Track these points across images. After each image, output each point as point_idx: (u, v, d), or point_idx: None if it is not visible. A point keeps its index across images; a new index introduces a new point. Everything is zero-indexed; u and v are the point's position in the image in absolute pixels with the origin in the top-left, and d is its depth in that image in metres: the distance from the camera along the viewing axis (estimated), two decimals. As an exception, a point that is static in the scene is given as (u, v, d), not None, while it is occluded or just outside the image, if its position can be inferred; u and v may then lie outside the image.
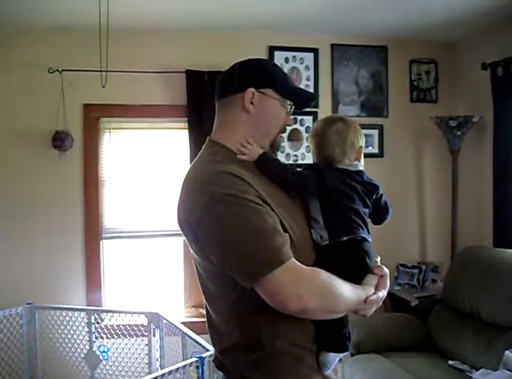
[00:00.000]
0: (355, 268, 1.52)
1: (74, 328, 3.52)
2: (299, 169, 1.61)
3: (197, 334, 2.89)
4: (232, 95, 1.56)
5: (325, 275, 1.40)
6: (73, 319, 3.52)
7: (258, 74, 1.57)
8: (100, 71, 3.00)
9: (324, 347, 1.52)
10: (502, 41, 3.82)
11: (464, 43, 4.32)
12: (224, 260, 1.39)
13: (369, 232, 1.59)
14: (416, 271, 4.20)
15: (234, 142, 1.55)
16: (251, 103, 1.53)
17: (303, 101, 1.67)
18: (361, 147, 1.69)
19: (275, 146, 1.62)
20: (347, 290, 1.44)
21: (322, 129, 1.68)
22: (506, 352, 2.86)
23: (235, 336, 1.49)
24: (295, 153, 4.07)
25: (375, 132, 4.28)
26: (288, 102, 1.59)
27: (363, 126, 4.13)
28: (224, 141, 1.55)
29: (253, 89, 1.53)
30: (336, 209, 1.55)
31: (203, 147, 1.60)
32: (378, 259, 1.62)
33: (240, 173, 1.43)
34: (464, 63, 4.32)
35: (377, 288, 1.54)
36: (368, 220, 1.62)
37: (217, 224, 1.37)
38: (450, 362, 3.27)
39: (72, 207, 3.90)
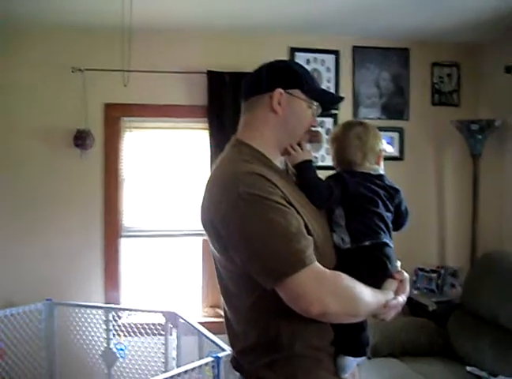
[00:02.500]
0: (375, 273, 1.52)
1: (92, 325, 3.55)
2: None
3: (214, 334, 2.90)
4: (260, 95, 1.56)
5: (347, 280, 1.41)
6: (91, 316, 3.55)
7: (286, 75, 1.57)
8: (122, 71, 3.02)
9: (342, 351, 1.52)
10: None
11: (487, 46, 4.27)
12: (247, 259, 1.39)
13: (391, 237, 1.59)
14: (435, 275, 4.17)
15: (260, 142, 1.55)
16: (279, 103, 1.53)
17: (329, 102, 1.69)
18: (381, 150, 1.69)
19: (300, 147, 1.62)
20: (367, 295, 1.44)
21: (342, 134, 1.70)
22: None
23: (253, 337, 1.49)
24: (315, 155, 4.06)
25: (396, 135, 4.25)
26: (315, 103, 1.59)
27: (384, 129, 4.12)
28: (250, 141, 1.55)
29: (281, 90, 1.53)
30: (360, 214, 1.56)
31: (228, 146, 1.60)
32: (399, 264, 1.62)
33: (267, 173, 1.43)
34: (487, 66, 4.28)
35: (397, 293, 1.54)
36: (391, 225, 1.61)
37: (242, 223, 1.37)
38: (468, 369, 3.24)
39: (92, 205, 3.93)
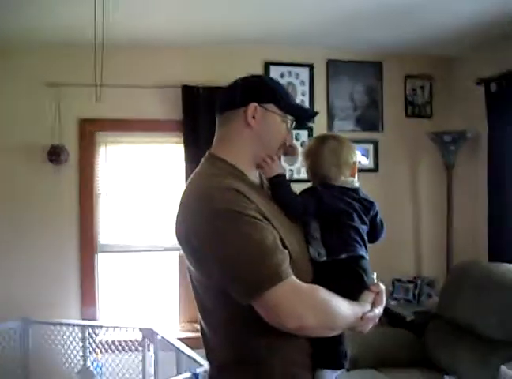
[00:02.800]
0: (352, 285, 1.53)
1: (68, 343, 3.50)
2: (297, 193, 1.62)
3: (192, 349, 2.88)
4: (234, 109, 1.56)
5: (323, 293, 1.41)
6: (68, 334, 3.50)
7: (261, 90, 1.57)
8: (95, 86, 3.01)
9: (320, 364, 1.52)
10: (496, 57, 3.85)
11: (459, 59, 4.35)
12: (222, 274, 1.38)
13: (367, 249, 1.60)
14: (412, 285, 4.20)
15: (234, 156, 1.55)
16: (253, 117, 1.54)
17: (304, 117, 1.70)
18: (355, 163, 1.71)
19: None
20: (344, 308, 1.44)
21: (316, 148, 1.71)
22: (502, 367, 2.85)
23: (230, 352, 1.48)
24: (291, 168, 4.08)
25: (370, 147, 4.29)
26: (289, 117, 1.60)
27: (358, 141, 4.15)
28: (225, 156, 1.55)
29: (255, 104, 1.53)
30: (335, 227, 1.56)
31: (202, 161, 1.60)
32: (375, 276, 1.63)
33: (241, 188, 1.43)
34: (459, 79, 4.35)
35: (373, 305, 1.54)
36: (366, 238, 1.62)
37: (217, 238, 1.37)
38: (446, 378, 3.25)
39: (67, 221, 3.89)
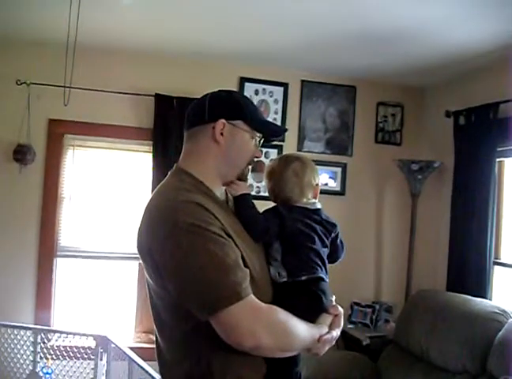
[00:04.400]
0: (310, 307, 1.53)
1: (19, 346, 3.40)
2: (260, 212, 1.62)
3: (146, 360, 2.84)
4: (203, 125, 1.55)
5: (281, 314, 1.40)
6: (19, 337, 3.40)
7: (229, 106, 1.57)
8: (64, 87, 2.96)
9: None
10: (465, 91, 3.95)
11: (431, 90, 4.44)
12: (181, 289, 1.37)
13: (327, 272, 1.60)
14: (370, 310, 4.22)
15: (201, 171, 1.54)
16: (221, 134, 1.53)
17: (271, 134, 1.68)
18: (318, 185, 1.71)
19: (242, 177, 1.62)
20: (302, 329, 1.44)
21: (279, 169, 1.70)
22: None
23: (184, 367, 1.46)
24: (258, 184, 4.08)
25: (339, 170, 4.32)
26: (258, 134, 1.59)
27: (327, 164, 4.18)
28: (192, 170, 1.54)
29: (224, 120, 1.53)
30: (296, 249, 1.57)
31: (169, 173, 1.59)
32: (333, 298, 1.63)
33: (206, 203, 1.42)
34: (429, 109, 4.43)
35: (331, 327, 1.55)
36: (326, 260, 1.63)
37: (179, 253, 1.35)
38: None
39: (28, 222, 3.82)
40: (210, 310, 1.33)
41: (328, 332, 1.52)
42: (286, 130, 1.77)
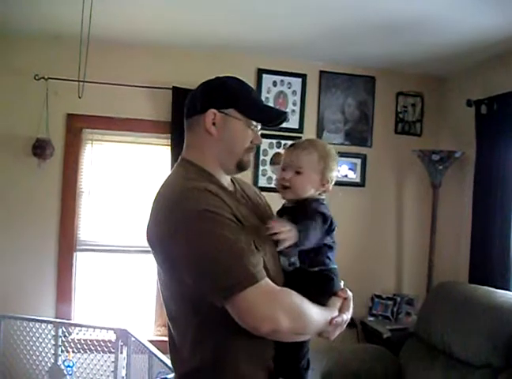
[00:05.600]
0: (321, 289, 1.54)
1: (40, 340, 3.44)
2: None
3: (165, 354, 2.84)
4: (196, 116, 1.54)
5: (296, 297, 1.40)
6: (40, 331, 3.44)
7: (219, 94, 1.53)
8: (78, 81, 2.97)
9: (282, 375, 1.51)
10: (487, 80, 3.87)
11: (451, 79, 4.37)
12: (197, 276, 1.36)
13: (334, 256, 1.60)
14: (391, 303, 4.18)
15: (203, 161, 1.54)
16: (214, 124, 1.51)
17: (267, 121, 1.61)
18: (333, 180, 1.67)
19: (242, 165, 1.58)
20: (315, 312, 1.44)
21: (307, 147, 1.64)
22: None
23: (196, 360, 1.45)
24: (276, 177, 4.05)
25: (358, 161, 4.28)
26: (254, 122, 1.56)
27: (347, 155, 4.14)
28: (195, 160, 1.54)
29: (214, 110, 1.51)
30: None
31: (175, 165, 1.59)
32: (342, 283, 1.63)
33: (215, 190, 1.42)
34: (450, 99, 4.36)
35: (341, 311, 1.54)
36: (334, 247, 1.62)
37: (191, 240, 1.35)
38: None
39: (48, 216, 3.84)
40: (226, 294, 1.32)
41: (339, 315, 1.51)
42: (285, 114, 1.63)
